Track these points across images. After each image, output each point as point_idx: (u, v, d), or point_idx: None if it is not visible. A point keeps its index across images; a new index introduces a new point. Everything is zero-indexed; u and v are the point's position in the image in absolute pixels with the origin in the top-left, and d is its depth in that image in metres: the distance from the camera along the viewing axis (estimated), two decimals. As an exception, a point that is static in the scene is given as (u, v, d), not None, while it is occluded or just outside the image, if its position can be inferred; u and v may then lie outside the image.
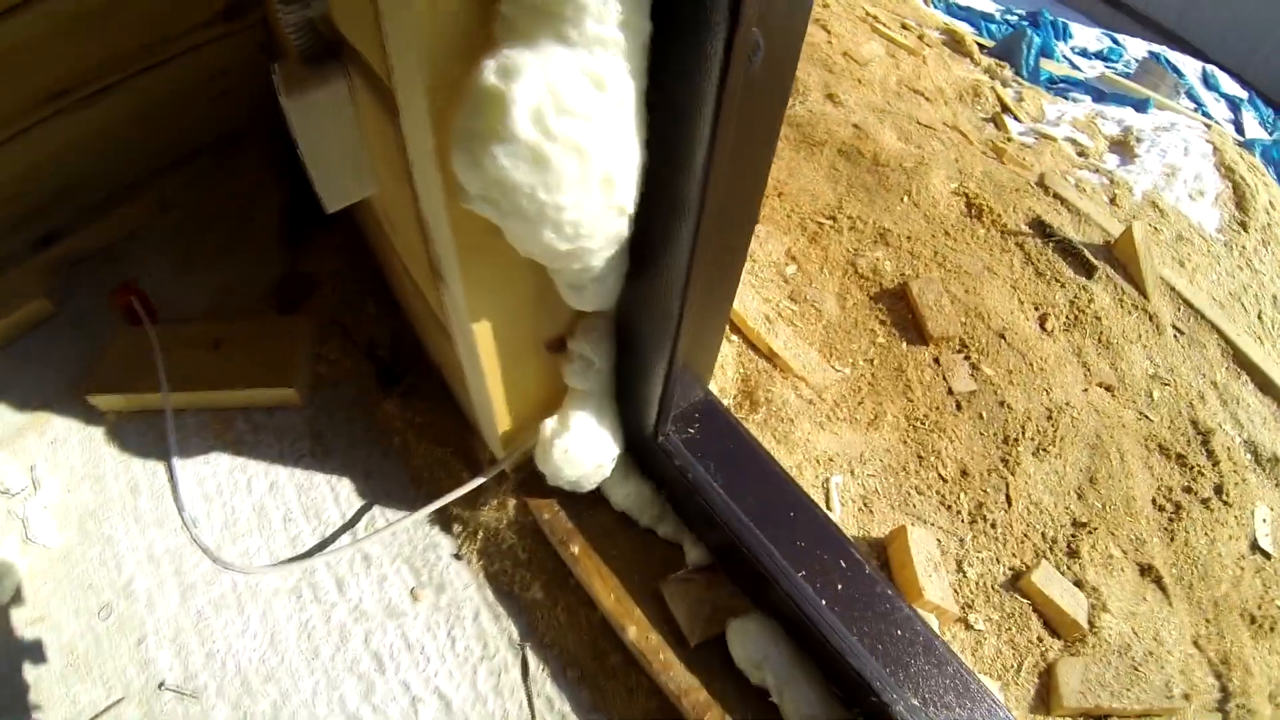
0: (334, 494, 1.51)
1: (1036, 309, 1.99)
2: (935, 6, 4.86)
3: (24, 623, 1.38)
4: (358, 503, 1.50)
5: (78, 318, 1.75)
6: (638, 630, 1.20)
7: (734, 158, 0.64)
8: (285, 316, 1.73)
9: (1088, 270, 2.13)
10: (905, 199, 2.14)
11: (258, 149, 1.96)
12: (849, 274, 1.89)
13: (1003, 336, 1.84)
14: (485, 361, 0.96)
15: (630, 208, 0.67)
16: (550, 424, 1.09)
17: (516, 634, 1.34)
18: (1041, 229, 2.18)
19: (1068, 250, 2.16)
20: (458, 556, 1.42)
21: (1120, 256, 2.28)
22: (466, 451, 1.49)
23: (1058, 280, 2.08)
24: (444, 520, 1.46)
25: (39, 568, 1.43)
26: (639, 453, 1.22)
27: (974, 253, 2.04)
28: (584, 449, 1.10)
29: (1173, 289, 2.35)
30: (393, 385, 1.69)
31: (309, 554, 1.44)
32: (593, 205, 0.63)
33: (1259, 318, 2.85)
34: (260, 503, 1.50)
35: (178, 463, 1.54)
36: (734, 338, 1.67)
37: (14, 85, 1.54)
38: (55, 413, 1.63)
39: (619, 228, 0.69)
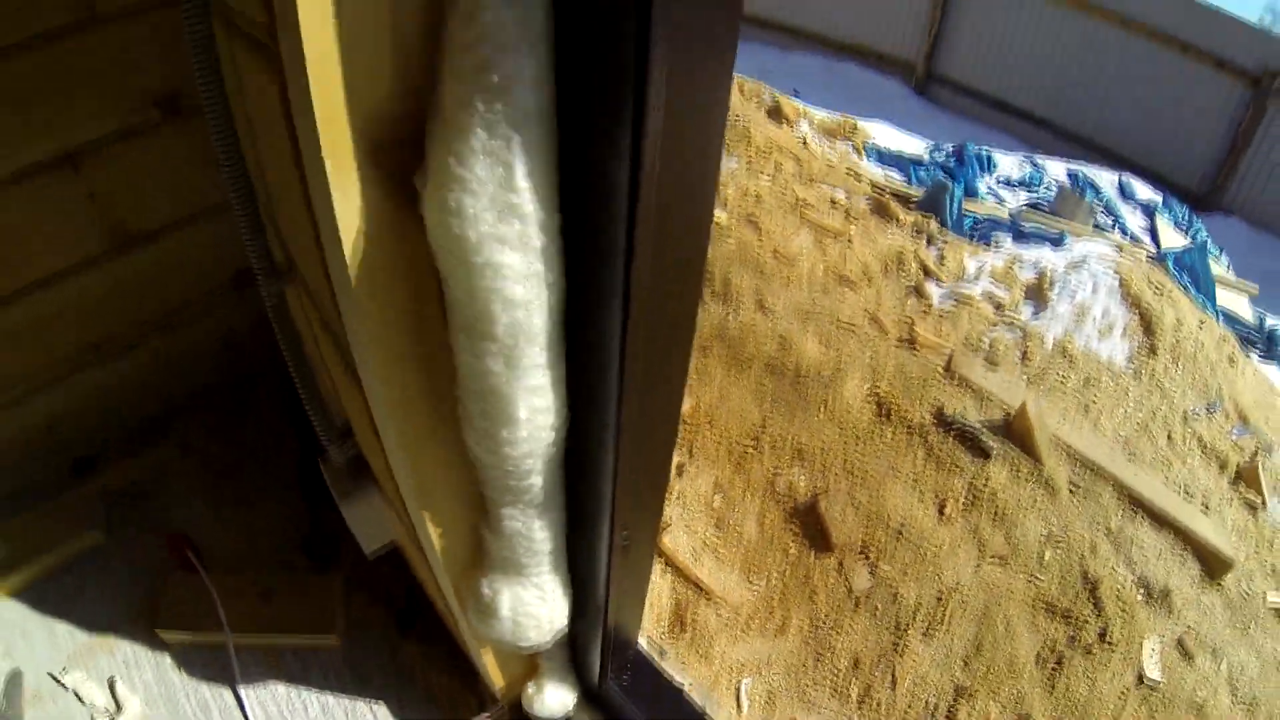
0: (374, 716, 1.93)
1: (936, 497, 2.43)
2: (867, 158, 5.44)
3: None
4: (395, 723, 1.92)
5: (126, 550, 2.11)
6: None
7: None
8: (319, 574, 2.17)
9: (985, 454, 2.56)
10: (822, 410, 2.60)
11: (269, 392, 2.43)
12: (768, 495, 2.34)
13: (900, 533, 2.27)
14: (485, 657, 1.40)
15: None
16: (530, 687, 1.54)
17: None
18: (943, 421, 2.63)
19: (967, 437, 2.60)
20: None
21: (1018, 429, 2.71)
22: (476, 685, 1.92)
23: (957, 468, 2.51)
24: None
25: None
26: (592, 697, 1.65)
27: (881, 455, 2.48)
28: (555, 702, 1.54)
29: (1069, 448, 2.78)
30: (409, 628, 2.13)
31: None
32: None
33: (1169, 439, 3.27)
34: (316, 721, 1.92)
35: (241, 688, 1.96)
36: (669, 571, 2.12)
37: (57, 340, 2.03)
38: (121, 637, 1.98)
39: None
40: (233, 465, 2.30)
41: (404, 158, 0.57)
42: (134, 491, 2.23)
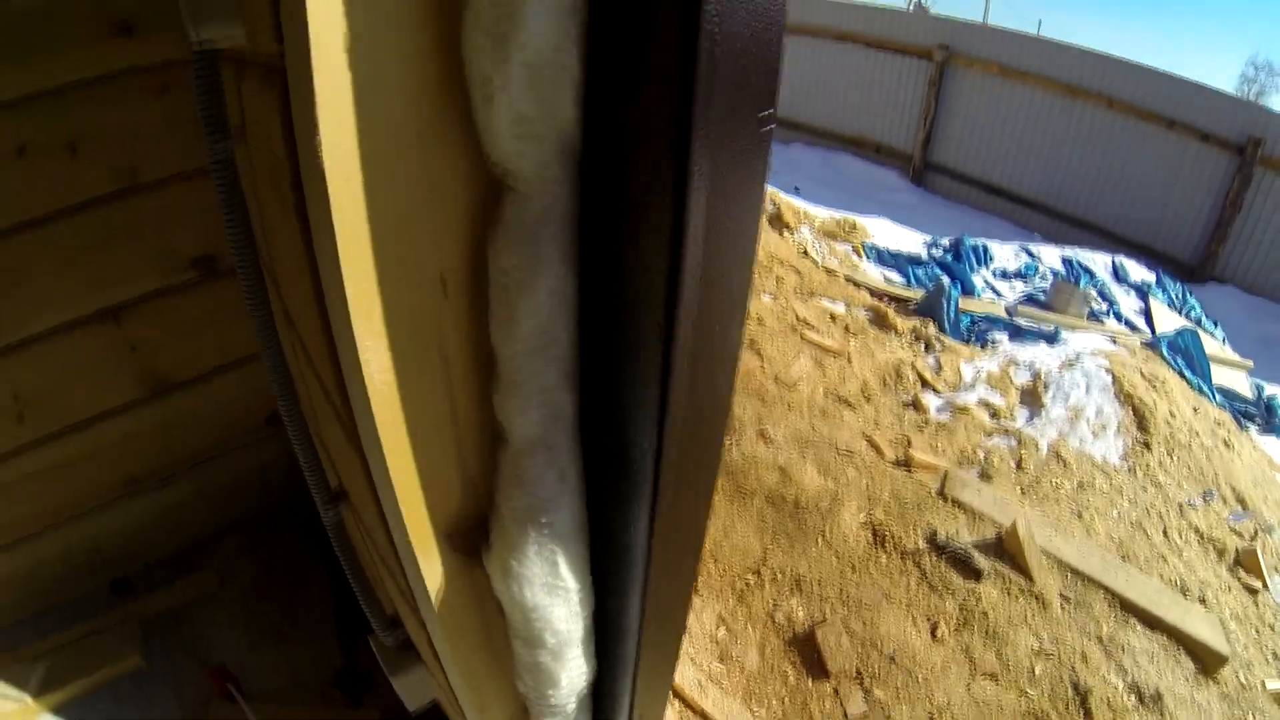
0: None
1: (929, 620, 2.66)
2: (867, 258, 5.75)
3: None
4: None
5: (166, 676, 2.26)
6: None
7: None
8: (354, 708, 2.38)
9: (976, 574, 2.79)
10: (820, 540, 2.86)
11: (298, 525, 2.65)
12: (769, 626, 2.58)
13: (893, 659, 2.50)
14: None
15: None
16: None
17: None
18: (936, 544, 2.87)
19: (958, 559, 2.83)
20: None
21: (1009, 547, 2.94)
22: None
23: (949, 589, 2.74)
24: None
25: None
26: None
27: (876, 581, 2.72)
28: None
29: (1060, 560, 2.99)
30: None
31: None
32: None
33: (1164, 534, 3.45)
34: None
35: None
36: (676, 702, 2.36)
37: (100, 473, 2.27)
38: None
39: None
40: (267, 595, 2.49)
41: (471, 540, 0.80)
42: (172, 616, 2.39)
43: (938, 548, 2.85)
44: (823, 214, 6.38)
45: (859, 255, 5.80)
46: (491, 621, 0.89)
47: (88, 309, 2.05)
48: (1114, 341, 4.73)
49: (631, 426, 0.61)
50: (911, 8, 10.98)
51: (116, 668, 2.19)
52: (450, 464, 0.70)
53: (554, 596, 0.74)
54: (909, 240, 6.27)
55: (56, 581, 2.38)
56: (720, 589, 2.71)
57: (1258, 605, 3.22)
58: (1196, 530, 3.50)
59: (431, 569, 0.79)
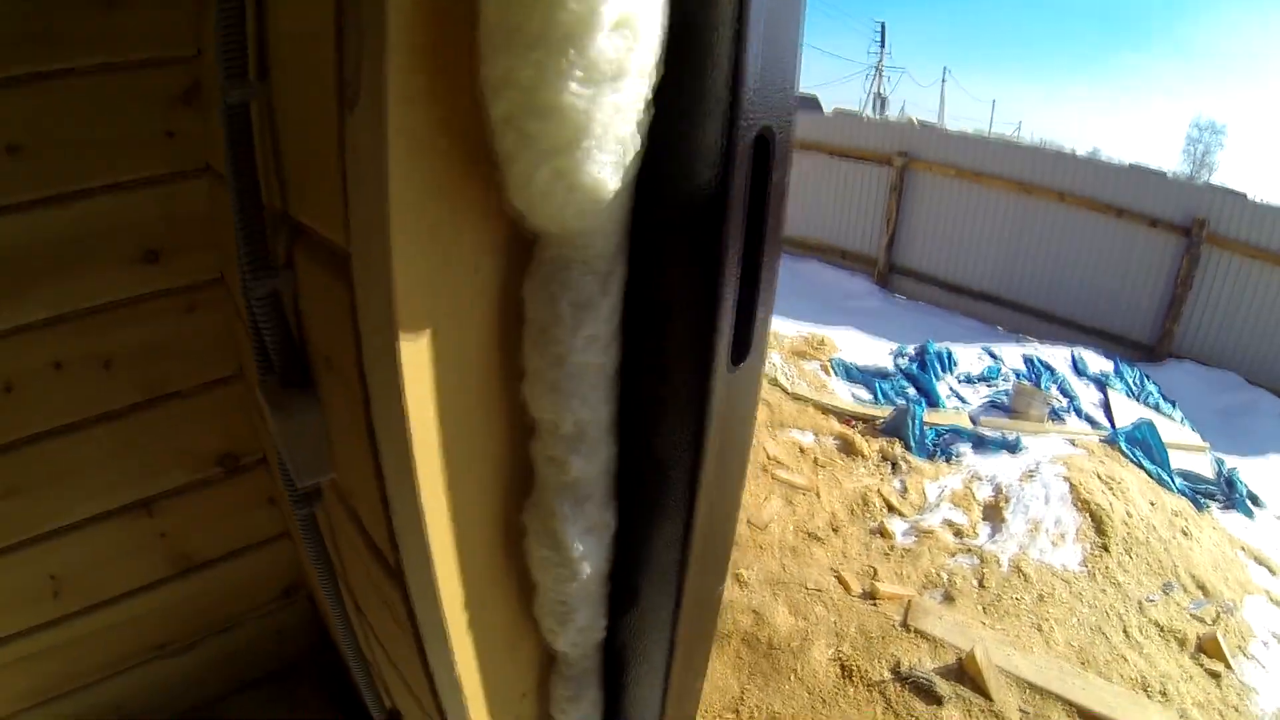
0: None
1: (894, 752, 3.00)
2: (835, 375, 6.19)
3: None
4: None
5: None
6: None
7: None
8: None
9: (939, 701, 3.14)
10: (793, 677, 3.21)
11: (315, 680, 2.82)
12: (746, 773, 2.93)
13: (864, 791, 2.84)
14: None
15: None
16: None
17: None
18: (900, 674, 3.23)
19: (921, 687, 3.18)
20: None
21: (969, 671, 3.28)
22: None
23: (913, 717, 3.09)
24: None
25: None
26: None
27: (845, 714, 3.06)
28: None
29: (1019, 678, 3.33)
30: None
31: None
32: None
33: (1124, 634, 3.76)
34: None
35: None
36: None
37: (126, 641, 2.49)
38: None
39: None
40: None
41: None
42: None
43: (901, 678, 3.20)
44: (791, 331, 6.84)
45: (827, 373, 6.22)
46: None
47: (122, 501, 2.32)
48: (1073, 444, 5.12)
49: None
50: (869, 108, 11.67)
51: None
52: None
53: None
54: (876, 351, 6.70)
55: None
56: (702, 732, 3.05)
57: (1221, 689, 3.48)
58: (1157, 624, 3.79)
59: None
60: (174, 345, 2.21)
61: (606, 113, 0.46)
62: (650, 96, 0.48)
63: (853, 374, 6.16)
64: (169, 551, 2.45)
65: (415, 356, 0.55)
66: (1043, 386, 5.96)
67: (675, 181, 0.52)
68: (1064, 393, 6.08)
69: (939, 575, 3.90)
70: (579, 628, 0.69)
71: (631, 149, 0.49)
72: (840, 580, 3.72)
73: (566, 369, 0.55)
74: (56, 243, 1.97)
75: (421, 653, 0.88)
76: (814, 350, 6.51)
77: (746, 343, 0.55)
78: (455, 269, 0.54)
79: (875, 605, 3.58)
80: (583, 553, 0.63)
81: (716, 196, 0.50)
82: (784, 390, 5.62)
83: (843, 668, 3.22)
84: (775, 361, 6.08)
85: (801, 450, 4.86)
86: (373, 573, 0.95)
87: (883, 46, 30.59)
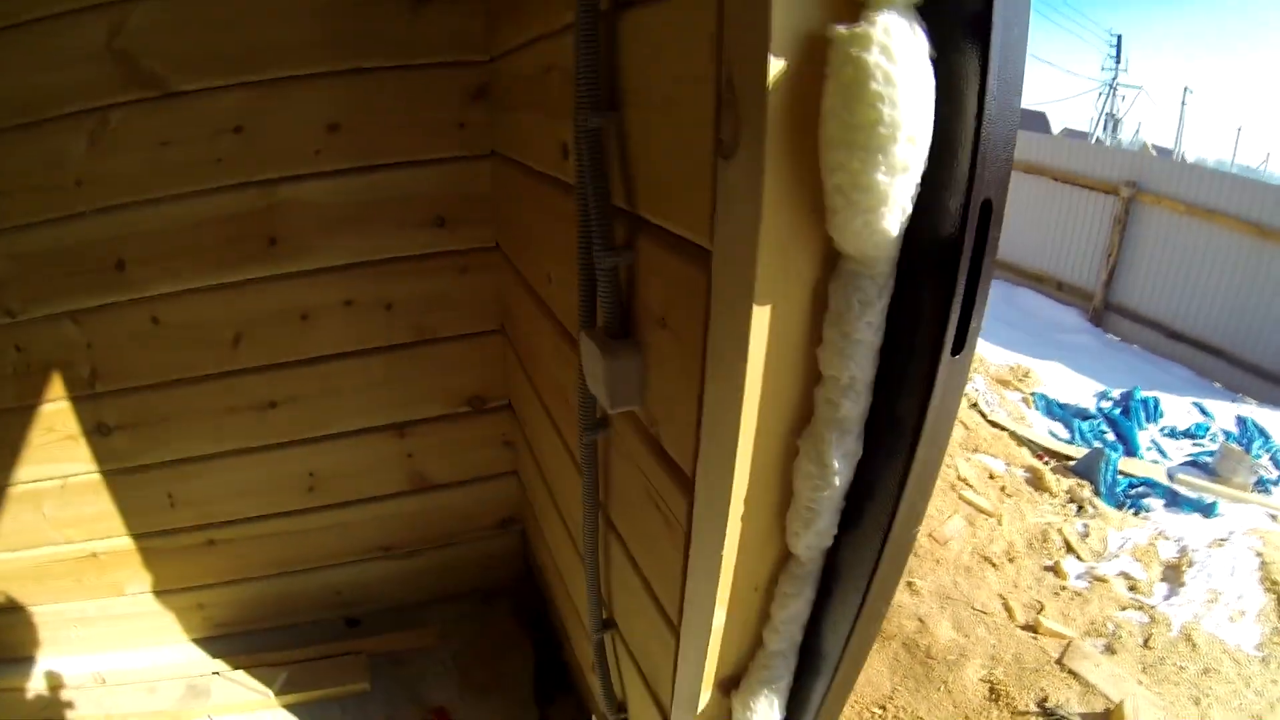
0: None
1: (1031, 779, 3.14)
2: (1035, 408, 6.17)
3: None
4: None
5: (384, 701, 2.77)
6: None
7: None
8: None
9: (1079, 744, 3.25)
10: (943, 688, 3.39)
11: (511, 604, 3.18)
12: (889, 762, 3.15)
13: (993, 808, 3.00)
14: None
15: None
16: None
17: None
18: (1045, 709, 3.34)
19: (1063, 726, 3.29)
20: None
21: (1115, 720, 3.35)
22: None
23: (1049, 752, 3.21)
24: None
25: None
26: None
27: (988, 735, 3.23)
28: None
29: (1167, 741, 3.36)
30: None
31: None
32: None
33: None
34: None
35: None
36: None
37: (358, 539, 2.96)
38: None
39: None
40: (477, 657, 2.97)
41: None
42: (393, 658, 2.95)
43: (1046, 712, 3.31)
44: (997, 359, 6.84)
45: (1028, 405, 6.23)
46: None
47: (380, 421, 2.78)
48: (1274, 519, 4.94)
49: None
50: (1100, 128, 11.21)
51: (347, 687, 2.79)
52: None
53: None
54: (1080, 389, 6.61)
55: (303, 608, 3.06)
56: (849, 715, 3.28)
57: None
58: None
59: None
60: (447, 298, 2.64)
61: (899, 190, 0.76)
62: (920, 179, 0.77)
63: (1053, 410, 6.14)
64: (411, 470, 2.91)
65: (759, 326, 0.85)
66: (1253, 452, 5.71)
67: (933, 231, 0.81)
68: (1276, 463, 5.80)
69: (1104, 624, 3.93)
70: (817, 530, 1.00)
71: (909, 210, 0.78)
72: (1006, 607, 3.85)
73: (850, 340, 0.86)
74: (362, 204, 2.43)
75: (686, 552, 1.17)
76: (1018, 381, 6.51)
77: (963, 341, 0.83)
78: (790, 273, 0.85)
79: (1035, 638, 3.69)
80: (837, 470, 0.93)
81: (954, 243, 0.78)
82: (982, 414, 5.70)
83: (991, 689, 3.37)
84: (978, 387, 6.15)
85: (991, 476, 4.96)
86: (656, 483, 1.25)
87: (1117, 62, 28.73)
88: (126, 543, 2.78)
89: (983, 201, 0.78)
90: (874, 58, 0.70)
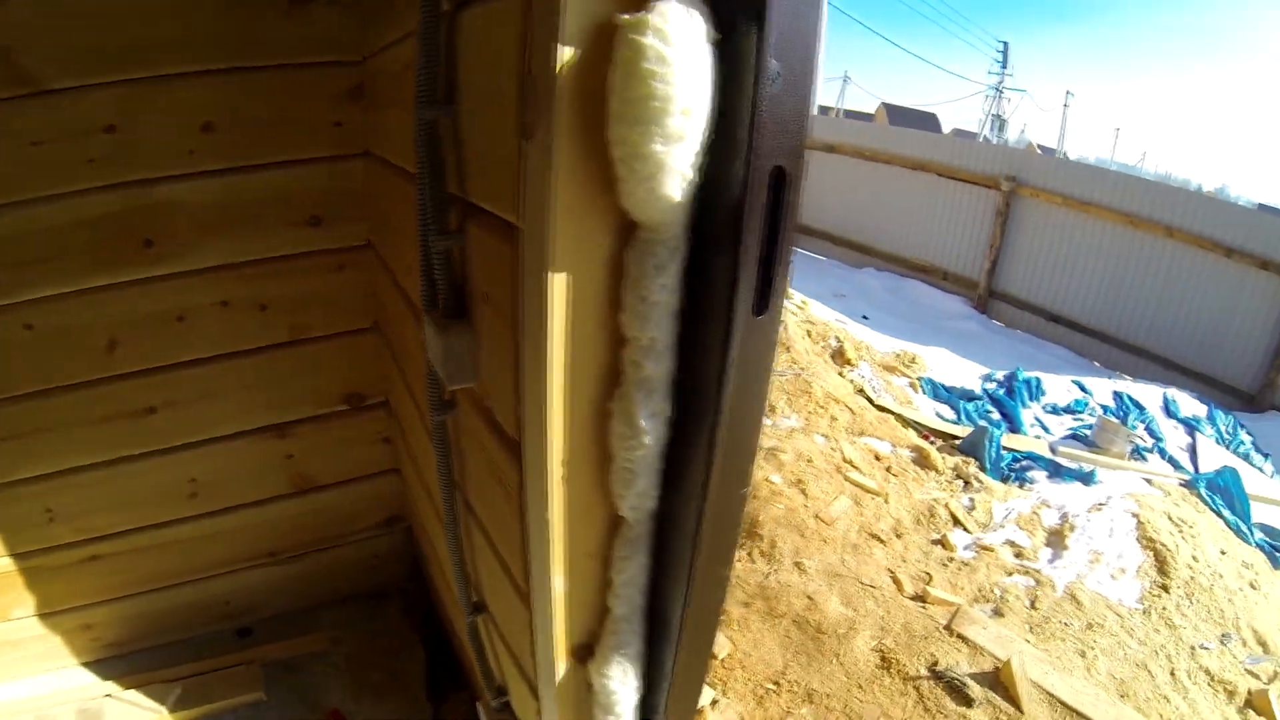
0: None
1: (922, 742, 3.27)
2: (922, 392, 6.40)
3: None
4: None
5: (279, 709, 2.75)
6: None
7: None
8: None
9: (968, 702, 3.39)
10: (834, 660, 3.50)
11: (402, 604, 3.18)
12: (782, 733, 3.24)
13: (886, 771, 3.12)
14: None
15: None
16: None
17: None
18: (936, 673, 3.49)
19: (954, 687, 3.44)
20: None
21: (1003, 679, 3.51)
22: None
23: (941, 713, 3.33)
24: None
25: None
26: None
27: (877, 701, 3.34)
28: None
29: (1052, 695, 3.53)
30: None
31: None
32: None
33: (1171, 675, 3.88)
34: None
35: None
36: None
37: (242, 545, 2.90)
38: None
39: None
40: (371, 659, 2.98)
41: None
42: (286, 665, 2.93)
43: (937, 675, 3.45)
44: (885, 347, 7.07)
45: (915, 390, 6.45)
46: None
47: (259, 423, 2.75)
48: (1150, 483, 5.24)
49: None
50: (987, 129, 11.77)
51: (241, 698, 2.77)
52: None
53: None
54: (966, 373, 6.89)
55: (193, 621, 2.99)
56: (743, 693, 3.37)
57: (1267, 750, 3.53)
58: (1207, 672, 3.85)
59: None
60: (322, 296, 2.63)
61: (677, 158, 0.82)
62: (701, 148, 0.84)
63: (940, 393, 6.37)
64: (292, 471, 2.87)
65: (559, 293, 0.90)
66: (1129, 424, 6.06)
67: (723, 198, 0.88)
68: (1151, 433, 6.16)
69: (992, 590, 4.11)
70: (638, 492, 1.05)
71: (691, 177, 0.85)
72: (894, 580, 3.99)
73: (647, 303, 0.92)
74: (236, 204, 2.40)
75: (522, 519, 1.22)
76: (905, 367, 6.73)
77: (766, 301, 0.89)
78: (587, 242, 0.91)
79: (924, 608, 3.84)
80: (646, 429, 0.98)
81: (739, 207, 0.85)
82: (868, 399, 5.87)
83: (883, 658, 3.49)
84: (864, 373, 6.33)
85: (877, 457, 5.13)
86: (494, 456, 1.30)
87: (1004, 67, 30.23)
88: (7, 563, 2.63)
89: (775, 169, 0.84)
90: (649, 40, 0.78)
